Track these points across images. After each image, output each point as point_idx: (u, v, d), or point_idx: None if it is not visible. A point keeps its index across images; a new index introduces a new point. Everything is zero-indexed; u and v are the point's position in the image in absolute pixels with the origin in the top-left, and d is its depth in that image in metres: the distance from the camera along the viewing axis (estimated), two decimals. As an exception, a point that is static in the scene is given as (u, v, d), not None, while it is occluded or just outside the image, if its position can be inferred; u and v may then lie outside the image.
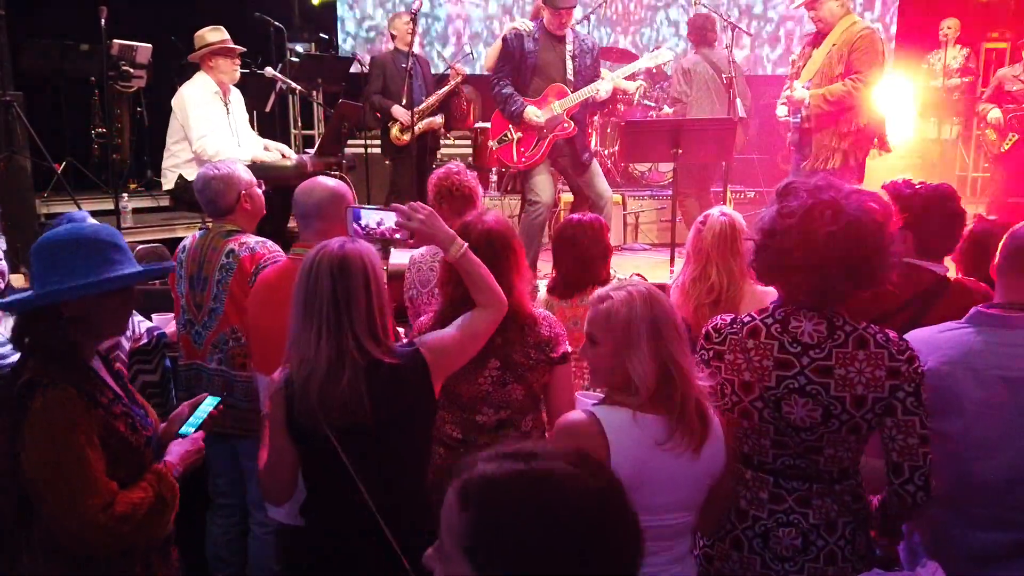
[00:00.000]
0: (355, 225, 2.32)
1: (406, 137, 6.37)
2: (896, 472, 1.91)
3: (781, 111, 5.40)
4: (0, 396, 1.97)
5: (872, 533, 2.07)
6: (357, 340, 2.05)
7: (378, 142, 6.82)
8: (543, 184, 5.25)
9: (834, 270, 1.84)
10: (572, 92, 5.11)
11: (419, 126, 6.26)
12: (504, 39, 5.25)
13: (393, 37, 6.59)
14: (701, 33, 6.64)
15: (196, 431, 2.21)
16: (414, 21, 5.59)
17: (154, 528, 2.00)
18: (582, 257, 3.08)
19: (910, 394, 1.88)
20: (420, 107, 6.30)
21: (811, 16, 5.17)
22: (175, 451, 2.13)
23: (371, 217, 2.33)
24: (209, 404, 2.30)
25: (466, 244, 2.26)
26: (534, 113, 5.09)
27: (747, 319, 1.98)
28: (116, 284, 1.99)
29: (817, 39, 5.23)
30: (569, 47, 5.14)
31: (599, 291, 2.00)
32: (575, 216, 3.30)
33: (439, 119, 6.61)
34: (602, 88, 5.12)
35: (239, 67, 5.15)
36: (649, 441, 1.85)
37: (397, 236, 2.30)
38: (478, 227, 2.55)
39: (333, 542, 2.15)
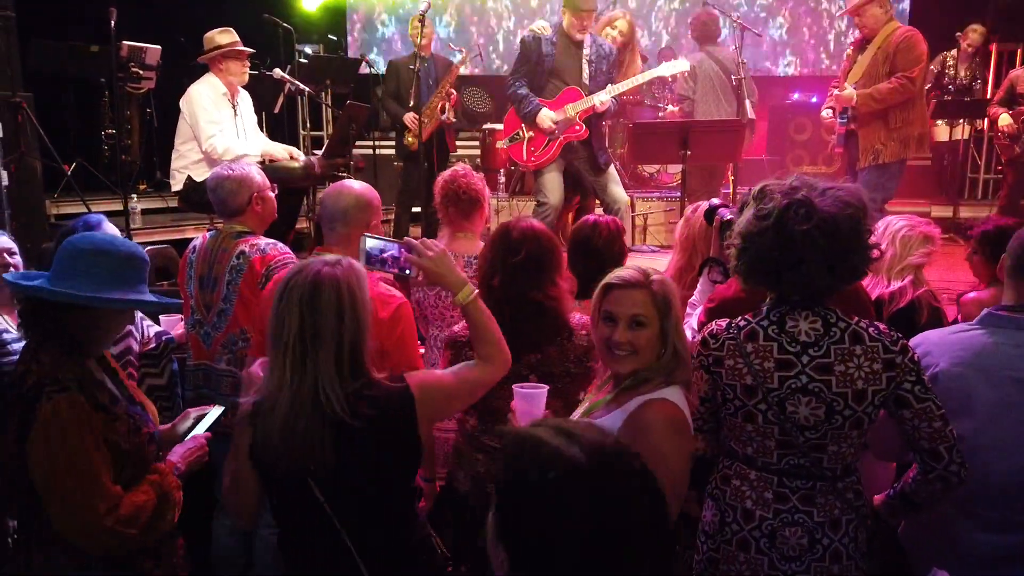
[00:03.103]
0: (365, 252, 2.18)
1: (416, 141, 6.36)
2: (935, 458, 1.93)
3: (826, 112, 5.47)
4: (6, 396, 1.99)
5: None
6: (322, 388, 1.85)
7: (388, 143, 6.81)
8: (552, 184, 5.26)
9: (814, 267, 1.87)
10: (586, 96, 5.12)
11: (425, 125, 6.24)
12: (522, 40, 5.29)
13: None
14: (704, 30, 6.63)
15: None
16: (422, 23, 5.59)
17: (158, 527, 2.03)
18: (599, 259, 2.97)
19: (915, 383, 1.92)
20: (423, 109, 6.27)
21: (856, 22, 5.33)
22: (178, 451, 2.19)
23: (378, 247, 2.18)
24: (216, 411, 2.31)
25: (476, 291, 2.10)
26: (547, 117, 5.11)
27: (743, 323, 2.00)
28: (119, 306, 2.05)
29: (862, 44, 5.37)
30: (586, 51, 5.17)
31: (630, 274, 2.00)
32: (591, 217, 3.21)
33: (451, 116, 6.54)
34: (597, 99, 5.11)
35: (248, 69, 5.16)
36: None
37: (408, 271, 2.16)
38: (515, 232, 2.53)
39: None
